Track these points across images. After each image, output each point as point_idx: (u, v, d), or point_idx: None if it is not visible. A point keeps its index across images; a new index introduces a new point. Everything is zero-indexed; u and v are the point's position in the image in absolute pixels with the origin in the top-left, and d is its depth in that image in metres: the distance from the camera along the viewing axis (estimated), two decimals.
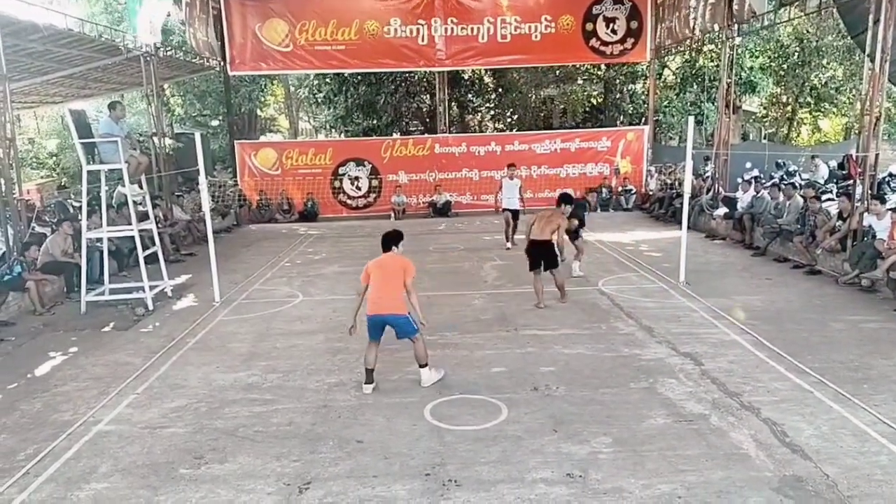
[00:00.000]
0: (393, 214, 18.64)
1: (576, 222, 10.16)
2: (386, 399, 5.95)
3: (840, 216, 10.42)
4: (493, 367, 6.71)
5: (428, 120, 24.92)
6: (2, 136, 9.94)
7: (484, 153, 19.36)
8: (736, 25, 14.70)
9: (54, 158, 26.03)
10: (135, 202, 9.83)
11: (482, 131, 26.64)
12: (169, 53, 15.66)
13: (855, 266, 9.38)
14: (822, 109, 27.16)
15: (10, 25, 10.18)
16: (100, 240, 10.14)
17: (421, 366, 6.23)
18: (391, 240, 6.37)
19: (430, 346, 7.34)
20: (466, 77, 25.20)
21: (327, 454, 4.97)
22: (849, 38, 22.10)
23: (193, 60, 17.13)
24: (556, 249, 8.69)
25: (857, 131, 12.72)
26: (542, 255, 8.75)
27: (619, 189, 19.13)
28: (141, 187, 10.13)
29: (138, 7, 13.92)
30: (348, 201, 19.50)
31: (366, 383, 6.14)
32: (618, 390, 6.00)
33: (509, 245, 13.00)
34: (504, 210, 13.23)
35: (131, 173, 9.45)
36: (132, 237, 9.79)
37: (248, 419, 5.63)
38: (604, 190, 18.99)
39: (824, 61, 24.73)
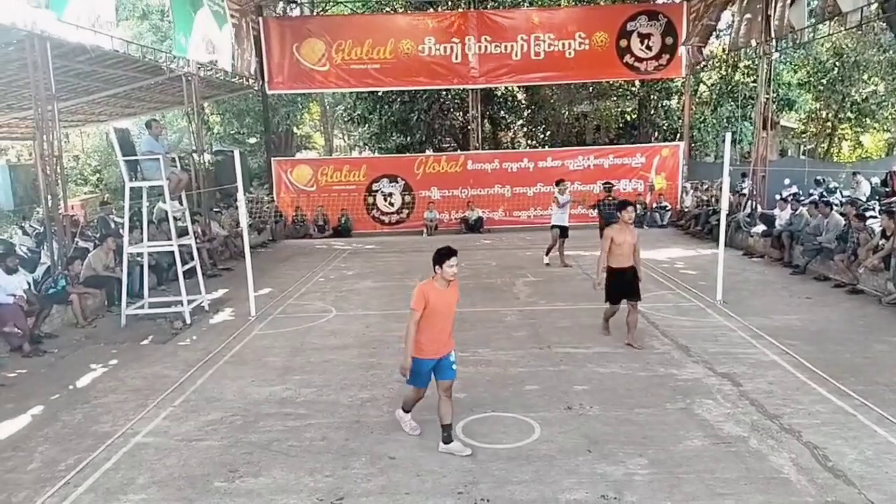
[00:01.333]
0: (425, 230, 18.73)
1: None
2: (418, 416, 5.92)
3: (883, 234, 10.15)
4: (525, 384, 6.66)
5: (461, 136, 25.04)
6: (49, 153, 10.27)
7: (516, 169, 19.37)
8: (774, 41, 14.52)
9: (97, 175, 26.80)
10: (175, 218, 10.05)
11: (514, 148, 26.66)
12: (209, 73, 16.05)
13: None
14: (864, 125, 26.59)
15: (59, 48, 10.56)
16: (140, 254, 10.39)
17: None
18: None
19: (463, 364, 7.35)
20: (499, 94, 25.28)
21: (360, 470, 4.99)
22: (891, 51, 21.75)
23: (233, 80, 17.53)
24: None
25: None
26: (628, 285, 7.64)
27: (654, 205, 18.93)
28: (181, 203, 10.36)
29: (189, 27, 14.22)
30: (381, 217, 19.66)
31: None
32: (653, 410, 5.90)
33: (547, 261, 12.85)
34: (554, 227, 12.87)
35: (171, 189, 9.68)
36: (171, 252, 10.01)
37: (282, 433, 5.68)
38: (638, 206, 18.79)
39: (865, 76, 24.25)
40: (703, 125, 23.86)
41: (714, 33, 16.56)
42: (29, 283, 9.20)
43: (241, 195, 9.85)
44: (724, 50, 22.73)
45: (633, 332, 7.72)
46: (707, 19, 15.74)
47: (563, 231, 12.75)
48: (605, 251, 7.61)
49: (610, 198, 13.38)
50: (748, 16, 15.05)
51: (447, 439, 5.22)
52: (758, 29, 14.65)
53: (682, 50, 18.57)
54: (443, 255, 5.20)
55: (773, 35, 14.31)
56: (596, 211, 13.23)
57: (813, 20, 14.56)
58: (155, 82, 14.93)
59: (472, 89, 20.04)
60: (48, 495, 4.77)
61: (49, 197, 10.41)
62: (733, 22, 16.01)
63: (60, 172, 10.77)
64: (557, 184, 13.06)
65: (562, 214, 12.76)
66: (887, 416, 5.57)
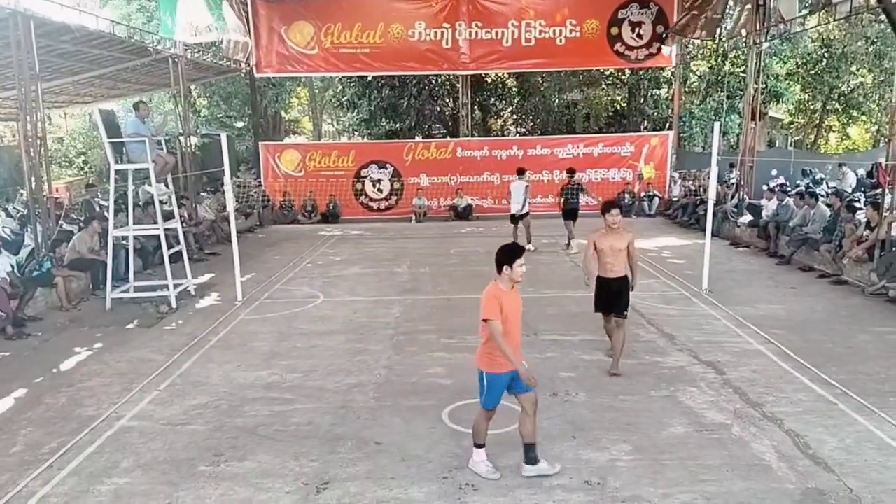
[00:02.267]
0: (414, 217, 18.69)
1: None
2: (404, 401, 5.96)
3: (868, 225, 10.25)
4: None
5: (450, 123, 24.97)
6: (33, 135, 10.13)
7: (506, 157, 19.32)
8: (765, 31, 14.50)
9: (82, 157, 26.50)
10: (161, 201, 9.96)
11: (504, 135, 26.61)
12: (197, 55, 15.85)
13: (882, 276, 9.22)
14: (851, 116, 26.75)
15: (43, 26, 10.39)
16: (126, 238, 10.30)
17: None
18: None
19: (450, 350, 7.37)
20: (489, 81, 25.20)
21: (346, 455, 5.00)
22: (878, 43, 21.84)
23: (220, 62, 17.33)
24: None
25: (886, 139, 12.50)
26: (613, 297, 6.57)
27: (643, 195, 18.98)
28: (167, 186, 10.27)
29: (174, 9, 14.04)
30: (370, 203, 19.60)
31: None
32: (638, 398, 5.95)
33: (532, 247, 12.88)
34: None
35: (157, 172, 9.58)
36: (157, 236, 9.93)
37: (268, 418, 5.67)
38: (626, 195, 18.85)
39: (853, 68, 24.36)
40: (692, 115, 23.92)
41: (721, 26, 16.38)
42: (12, 266, 9.10)
43: (227, 179, 9.77)
44: (713, 40, 22.75)
45: (617, 358, 6.57)
46: (711, 12, 15.61)
47: (513, 218, 13.30)
48: (587, 257, 6.67)
49: (573, 182, 13.54)
50: (749, 6, 14.95)
51: (533, 460, 4.61)
52: (748, 19, 14.62)
53: (666, 50, 18.55)
54: (512, 254, 4.55)
55: (765, 24, 14.26)
56: (562, 198, 13.39)
57: (805, 9, 14.56)
58: (141, 64, 14.76)
59: (463, 75, 19.96)
60: (31, 478, 4.74)
61: (33, 179, 10.28)
62: (732, 11, 15.90)
63: (44, 154, 10.64)
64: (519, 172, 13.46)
65: (515, 204, 13.17)
66: (868, 405, 5.64)
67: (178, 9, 13.80)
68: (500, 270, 4.59)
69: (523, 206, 13.05)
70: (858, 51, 23.15)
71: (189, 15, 14.33)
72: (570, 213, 13.28)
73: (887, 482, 4.46)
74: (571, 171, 13.86)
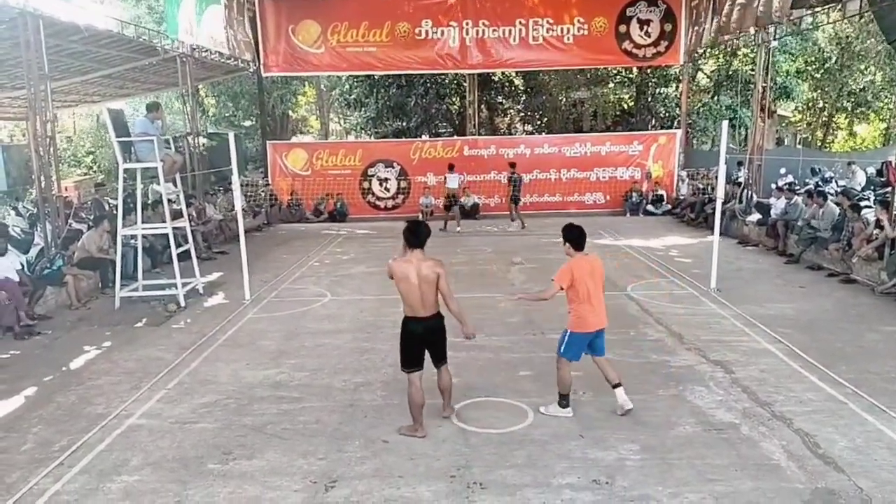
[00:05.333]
0: (421, 216, 18.63)
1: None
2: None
3: (877, 224, 10.18)
4: (519, 370, 6.69)
5: (457, 122, 24.94)
6: (42, 134, 10.19)
7: (513, 155, 19.28)
8: (773, 27, 14.36)
9: (91, 156, 26.62)
10: (169, 200, 10.01)
11: (511, 133, 26.56)
12: (204, 55, 15.90)
13: (892, 275, 9.17)
14: (860, 114, 26.58)
15: (52, 26, 10.44)
16: (134, 237, 10.34)
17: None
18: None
19: (456, 349, 7.35)
20: (496, 79, 25.15)
21: (353, 453, 5.01)
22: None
23: (228, 62, 17.38)
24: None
25: None
26: (428, 342, 5.28)
27: (650, 194, 18.91)
28: (175, 186, 10.30)
29: (177, 9, 14.14)
30: (377, 202, 19.61)
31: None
32: (646, 397, 5.93)
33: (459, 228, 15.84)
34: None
35: (166, 172, 9.62)
36: (166, 235, 9.97)
37: (276, 416, 5.69)
38: (634, 194, 18.79)
39: (863, 66, 24.19)
40: (701, 112, 23.81)
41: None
42: (22, 264, 9.16)
43: (235, 178, 9.80)
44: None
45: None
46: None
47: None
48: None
49: (513, 173, 16.34)
50: (741, 1, 14.78)
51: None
52: (752, 15, 14.44)
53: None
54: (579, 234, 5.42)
55: (770, 20, 14.08)
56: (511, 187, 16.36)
57: (807, 10, 14.38)
58: (149, 63, 14.79)
59: (470, 74, 19.92)
60: (42, 476, 4.77)
61: (42, 178, 10.34)
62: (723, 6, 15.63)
63: (54, 153, 10.69)
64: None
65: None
66: (878, 405, 5.61)
67: (180, 9, 13.91)
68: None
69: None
70: (870, 48, 22.98)
71: (188, 15, 14.42)
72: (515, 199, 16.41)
73: None
74: (513, 164, 16.80)
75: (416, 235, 5.06)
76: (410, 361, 5.18)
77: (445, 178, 17.04)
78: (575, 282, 5.27)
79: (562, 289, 5.36)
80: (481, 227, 17.04)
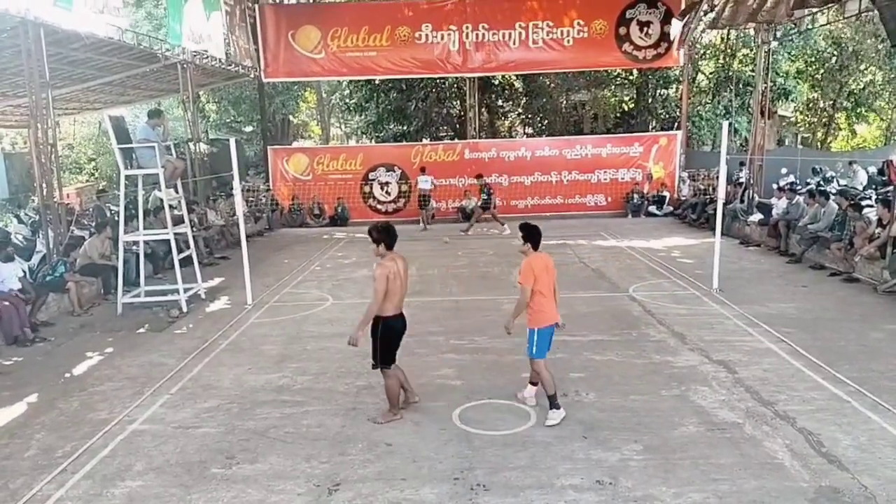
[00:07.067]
0: (422, 221, 18.66)
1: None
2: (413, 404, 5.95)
3: (879, 223, 10.17)
4: (521, 372, 6.65)
5: (458, 125, 24.95)
6: (44, 141, 10.21)
7: (514, 158, 19.35)
8: (773, 29, 14.34)
9: (93, 163, 26.69)
10: (170, 206, 10.02)
11: (512, 136, 26.58)
12: (205, 61, 15.95)
13: (894, 274, 9.15)
14: (860, 114, 26.57)
15: (53, 34, 10.48)
16: (136, 243, 10.36)
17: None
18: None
19: (459, 352, 7.37)
20: (496, 82, 25.16)
21: (356, 456, 5.00)
22: (887, 42, 21.66)
23: (229, 68, 17.44)
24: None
25: None
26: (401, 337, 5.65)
27: (652, 195, 18.90)
28: (177, 191, 10.33)
29: (180, 16, 14.13)
30: (378, 206, 19.64)
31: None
32: (649, 397, 5.92)
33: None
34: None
35: (167, 178, 9.64)
36: (167, 240, 9.98)
37: (279, 420, 5.69)
38: (635, 196, 18.79)
39: (862, 66, 24.18)
40: (701, 113, 23.80)
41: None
42: (24, 271, 9.17)
43: (236, 184, 9.81)
44: (722, 39, 22.63)
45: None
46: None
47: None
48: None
49: (484, 184, 16.84)
50: None
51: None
52: (745, 13, 14.34)
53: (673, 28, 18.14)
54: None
55: (769, 19, 14.04)
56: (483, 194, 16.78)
57: (808, 12, 14.35)
58: (150, 70, 14.84)
59: (470, 77, 19.95)
60: (45, 482, 4.77)
61: (44, 185, 10.37)
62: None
63: (55, 160, 10.72)
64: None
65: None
66: (881, 403, 5.59)
67: (183, 16, 13.90)
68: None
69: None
70: (869, 48, 22.97)
71: (191, 22, 14.43)
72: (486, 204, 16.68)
73: None
74: (479, 176, 17.30)
75: (393, 238, 5.46)
76: (392, 358, 5.54)
77: (417, 181, 17.91)
78: (536, 277, 5.50)
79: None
80: (482, 230, 17.01)
